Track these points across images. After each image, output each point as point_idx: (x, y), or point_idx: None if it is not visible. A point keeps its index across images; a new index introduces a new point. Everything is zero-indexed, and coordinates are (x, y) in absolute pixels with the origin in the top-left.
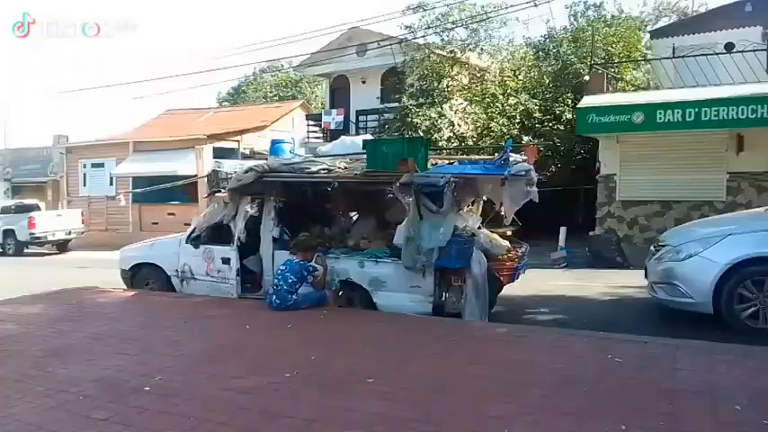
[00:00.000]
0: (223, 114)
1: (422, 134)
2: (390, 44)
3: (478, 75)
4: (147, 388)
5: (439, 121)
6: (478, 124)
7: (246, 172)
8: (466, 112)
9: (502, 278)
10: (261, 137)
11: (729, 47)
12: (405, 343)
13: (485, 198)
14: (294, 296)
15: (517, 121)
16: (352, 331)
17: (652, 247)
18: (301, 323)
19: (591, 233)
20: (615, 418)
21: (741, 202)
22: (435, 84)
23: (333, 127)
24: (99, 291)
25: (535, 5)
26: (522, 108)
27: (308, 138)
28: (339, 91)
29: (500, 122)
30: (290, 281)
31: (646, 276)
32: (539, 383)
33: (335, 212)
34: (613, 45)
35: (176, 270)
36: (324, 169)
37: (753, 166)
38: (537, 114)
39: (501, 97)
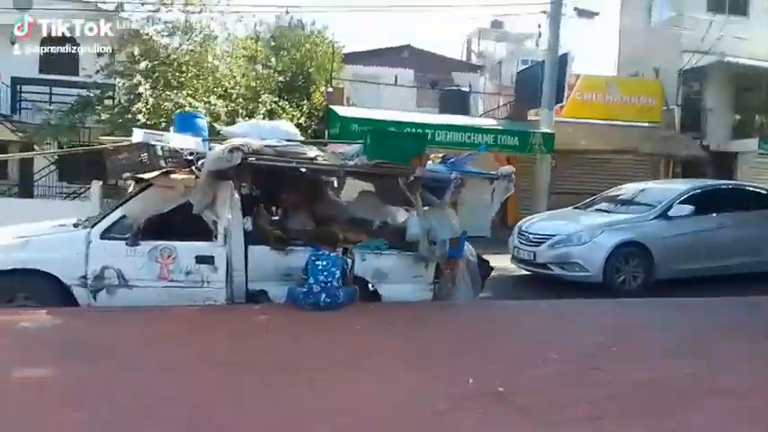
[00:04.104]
0: None
1: (164, 120)
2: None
3: (208, 67)
4: None
5: (187, 108)
6: (228, 120)
7: (231, 151)
8: (211, 104)
9: None
10: None
11: (435, 84)
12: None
13: None
14: (341, 292)
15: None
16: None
17: (521, 238)
18: (413, 321)
19: None
20: None
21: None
22: (165, 67)
23: None
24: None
25: None
26: (269, 108)
27: None
28: None
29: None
30: (337, 276)
31: (515, 259)
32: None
33: (284, 204)
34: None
35: (82, 277)
36: (318, 156)
37: None
38: (284, 116)
39: (241, 91)
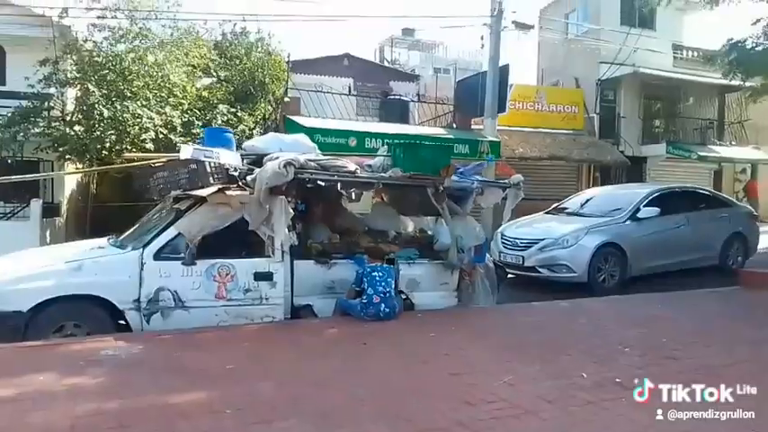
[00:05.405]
0: None
1: (115, 131)
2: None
3: (158, 74)
4: None
5: (145, 119)
6: (184, 131)
7: (285, 166)
8: (167, 115)
9: None
10: None
11: (385, 94)
12: None
13: None
14: (396, 302)
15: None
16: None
17: (506, 243)
18: (466, 326)
19: None
20: None
21: None
22: (114, 75)
23: None
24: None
25: None
26: (225, 118)
27: None
28: None
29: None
30: (392, 285)
31: (500, 263)
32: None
33: (311, 217)
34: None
35: (135, 300)
36: (357, 169)
37: None
38: (243, 126)
39: (192, 101)
